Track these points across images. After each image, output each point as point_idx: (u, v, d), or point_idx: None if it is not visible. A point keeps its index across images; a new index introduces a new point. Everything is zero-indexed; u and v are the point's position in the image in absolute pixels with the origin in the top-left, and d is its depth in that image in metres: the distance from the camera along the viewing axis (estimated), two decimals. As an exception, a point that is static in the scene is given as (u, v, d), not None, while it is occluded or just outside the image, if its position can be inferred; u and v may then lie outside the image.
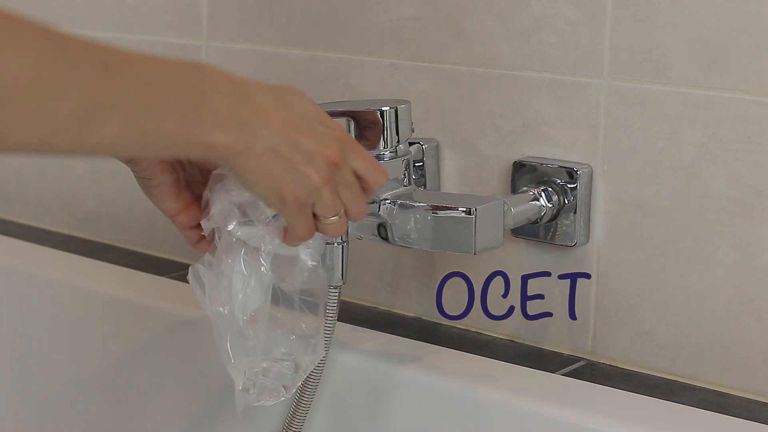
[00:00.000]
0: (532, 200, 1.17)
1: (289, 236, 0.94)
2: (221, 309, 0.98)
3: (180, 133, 0.82)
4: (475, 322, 1.28)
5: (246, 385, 0.99)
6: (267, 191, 0.88)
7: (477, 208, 1.07)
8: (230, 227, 0.95)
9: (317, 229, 0.93)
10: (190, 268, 0.97)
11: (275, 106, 0.88)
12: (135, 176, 0.96)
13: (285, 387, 1.00)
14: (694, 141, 1.12)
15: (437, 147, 1.26)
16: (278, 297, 0.98)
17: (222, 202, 0.95)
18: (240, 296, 0.97)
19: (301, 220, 0.91)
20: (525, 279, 1.24)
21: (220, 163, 0.88)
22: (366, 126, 1.11)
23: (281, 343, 1.00)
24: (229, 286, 0.96)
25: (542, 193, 1.18)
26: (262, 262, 0.96)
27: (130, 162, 0.94)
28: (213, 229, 0.96)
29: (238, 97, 0.85)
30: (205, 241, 0.98)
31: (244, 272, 0.96)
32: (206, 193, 0.96)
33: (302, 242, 0.95)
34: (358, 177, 0.93)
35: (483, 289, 1.26)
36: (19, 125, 0.73)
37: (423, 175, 1.25)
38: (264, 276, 0.96)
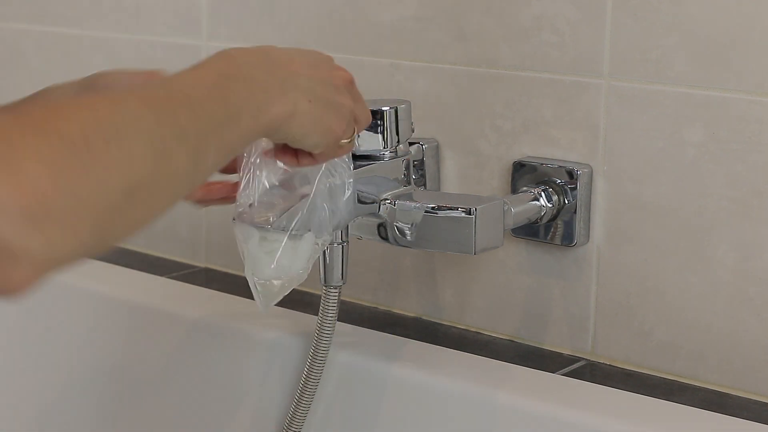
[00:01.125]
0: (532, 200, 1.17)
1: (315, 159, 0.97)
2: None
3: (253, 125, 0.84)
4: (475, 322, 1.28)
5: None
6: (320, 135, 0.92)
7: (477, 208, 1.07)
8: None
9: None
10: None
11: (290, 54, 0.91)
12: None
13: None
14: (694, 141, 1.12)
15: (437, 147, 1.26)
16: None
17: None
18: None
19: (337, 149, 0.96)
20: (525, 279, 1.24)
21: (274, 134, 0.89)
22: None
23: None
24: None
25: (542, 193, 1.18)
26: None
27: None
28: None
29: (267, 63, 0.88)
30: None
31: None
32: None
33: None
34: None
35: (483, 288, 1.27)
36: (157, 202, 0.73)
37: (423, 175, 1.25)
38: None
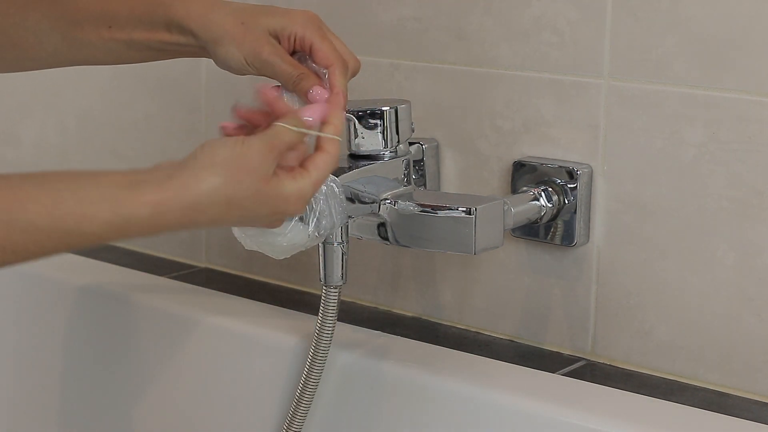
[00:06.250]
0: (532, 200, 1.17)
1: None
2: None
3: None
4: (475, 322, 1.28)
5: None
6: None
7: (477, 208, 1.07)
8: None
9: None
10: None
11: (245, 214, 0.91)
12: None
13: None
14: (694, 141, 1.12)
15: (437, 147, 1.26)
16: None
17: None
18: None
19: None
20: (525, 279, 1.24)
21: None
22: (366, 126, 1.11)
23: None
24: None
25: (542, 193, 1.18)
26: None
27: None
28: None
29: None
30: None
31: None
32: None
33: None
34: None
35: (483, 288, 1.27)
36: None
37: (423, 175, 1.25)
38: None
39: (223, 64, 1.04)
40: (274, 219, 0.93)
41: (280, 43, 1.03)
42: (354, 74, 1.05)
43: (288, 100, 1.03)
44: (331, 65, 1.02)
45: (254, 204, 0.90)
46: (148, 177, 0.86)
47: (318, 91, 1.01)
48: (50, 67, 1.10)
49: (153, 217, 0.85)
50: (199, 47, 1.04)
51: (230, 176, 0.88)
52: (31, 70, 1.11)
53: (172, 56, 1.07)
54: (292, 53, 1.04)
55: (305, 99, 1.01)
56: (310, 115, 0.96)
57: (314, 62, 1.03)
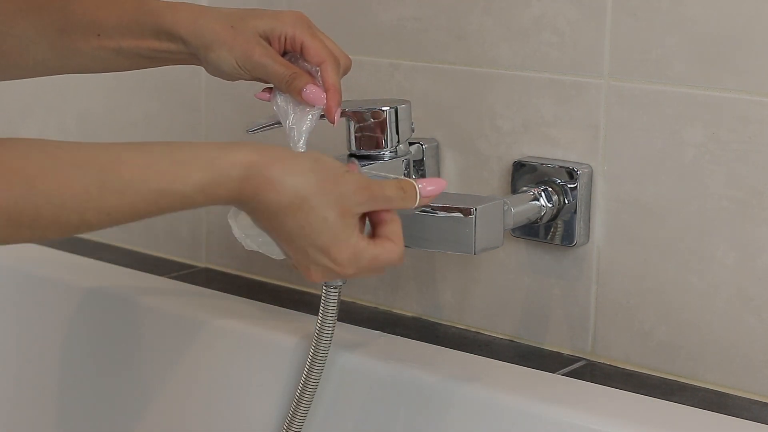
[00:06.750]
0: (532, 200, 1.17)
1: None
2: None
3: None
4: (475, 322, 1.28)
5: None
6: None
7: (477, 208, 1.07)
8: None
9: None
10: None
11: (315, 227, 0.89)
12: None
13: None
14: (694, 141, 1.12)
15: (437, 147, 1.26)
16: None
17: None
18: None
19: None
20: (525, 279, 1.24)
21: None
22: (366, 126, 1.11)
23: None
24: None
25: (542, 193, 1.18)
26: None
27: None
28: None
29: (277, 224, 0.90)
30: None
31: None
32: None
33: None
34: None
35: (483, 288, 1.27)
36: None
37: (423, 175, 1.25)
38: None
39: (215, 69, 1.04)
40: (318, 261, 0.91)
41: (270, 44, 1.03)
42: (346, 72, 1.05)
43: (282, 101, 1.03)
44: (323, 62, 1.02)
45: (321, 224, 0.88)
46: (246, 142, 0.87)
47: (311, 90, 1.01)
48: (39, 76, 1.10)
49: (240, 180, 0.85)
50: (189, 54, 1.04)
51: (322, 179, 0.88)
52: (19, 78, 1.11)
53: (162, 64, 1.07)
54: (283, 54, 1.04)
55: (299, 98, 1.01)
56: (430, 185, 0.95)
57: (306, 60, 1.03)
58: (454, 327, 1.29)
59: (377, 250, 0.91)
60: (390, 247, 0.92)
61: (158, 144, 0.86)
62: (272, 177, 0.86)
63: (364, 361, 1.18)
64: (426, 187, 0.94)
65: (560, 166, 1.18)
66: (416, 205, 0.94)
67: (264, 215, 0.88)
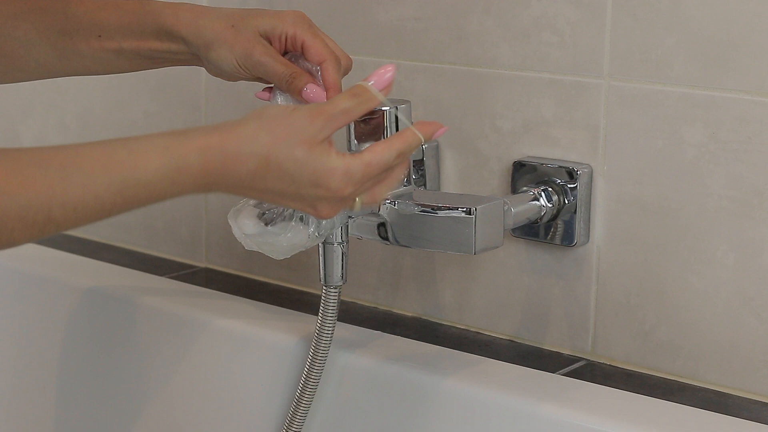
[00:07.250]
0: (532, 200, 1.17)
1: None
2: None
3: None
4: (475, 322, 1.28)
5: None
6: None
7: (477, 208, 1.07)
8: None
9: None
10: None
11: (286, 181, 0.90)
12: None
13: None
14: (694, 141, 1.12)
15: (437, 147, 1.26)
16: None
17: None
18: None
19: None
20: (525, 279, 1.24)
21: None
22: (366, 126, 1.11)
23: None
24: None
25: (542, 193, 1.18)
26: None
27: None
28: None
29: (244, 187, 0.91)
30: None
31: None
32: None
33: None
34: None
35: (483, 288, 1.27)
36: None
37: (423, 175, 1.25)
38: None
39: (216, 69, 1.04)
40: (318, 197, 0.91)
41: (271, 44, 1.03)
42: (346, 72, 1.05)
43: (282, 101, 1.03)
44: (324, 61, 1.02)
45: (295, 167, 0.89)
46: (196, 128, 0.88)
47: (312, 89, 1.01)
48: (40, 78, 1.10)
49: (201, 164, 0.86)
50: (190, 54, 1.04)
51: (273, 131, 0.89)
52: (21, 81, 1.11)
53: (163, 65, 1.07)
54: (284, 54, 1.04)
55: (299, 98, 1.01)
56: (377, 76, 0.95)
57: (307, 59, 1.03)
58: (454, 327, 1.29)
59: (364, 157, 0.92)
60: (376, 148, 0.93)
61: (118, 139, 0.87)
62: (230, 151, 0.87)
63: (364, 361, 1.18)
64: (378, 81, 0.95)
65: (560, 166, 1.18)
66: (380, 102, 0.94)
67: (243, 187, 0.89)
